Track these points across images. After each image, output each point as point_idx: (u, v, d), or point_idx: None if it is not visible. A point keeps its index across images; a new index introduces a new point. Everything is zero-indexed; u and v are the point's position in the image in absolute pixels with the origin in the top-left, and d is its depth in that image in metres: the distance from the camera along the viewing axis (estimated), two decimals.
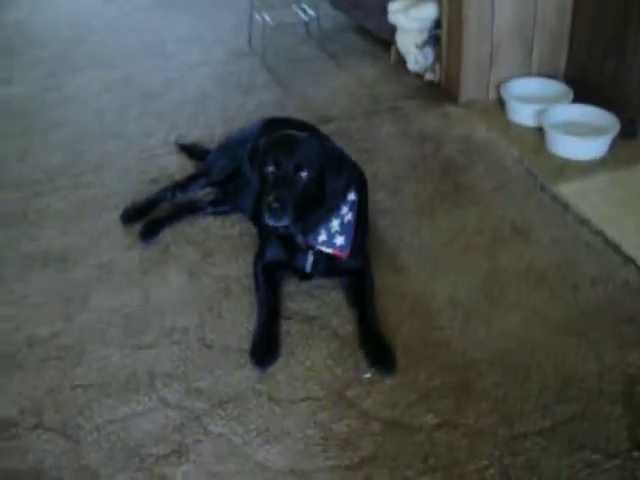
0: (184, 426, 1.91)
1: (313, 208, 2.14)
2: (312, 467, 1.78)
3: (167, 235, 2.67)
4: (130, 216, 2.73)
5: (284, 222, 2.06)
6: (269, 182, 2.09)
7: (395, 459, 1.79)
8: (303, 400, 1.96)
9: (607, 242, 2.48)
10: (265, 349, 2.10)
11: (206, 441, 1.87)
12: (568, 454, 1.77)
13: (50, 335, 2.25)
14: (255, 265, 2.35)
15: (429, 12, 3.51)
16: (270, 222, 2.06)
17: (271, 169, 2.08)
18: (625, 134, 3.01)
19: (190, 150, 3.16)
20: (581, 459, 1.76)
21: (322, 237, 2.19)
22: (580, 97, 3.21)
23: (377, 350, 2.07)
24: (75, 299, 2.40)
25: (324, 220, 2.18)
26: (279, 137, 2.16)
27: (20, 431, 1.93)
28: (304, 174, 2.07)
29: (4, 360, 2.17)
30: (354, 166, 2.34)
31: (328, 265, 2.28)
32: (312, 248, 2.23)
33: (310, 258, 2.25)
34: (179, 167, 3.08)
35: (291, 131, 2.24)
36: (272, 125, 2.61)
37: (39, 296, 2.42)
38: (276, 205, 2.01)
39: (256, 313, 2.22)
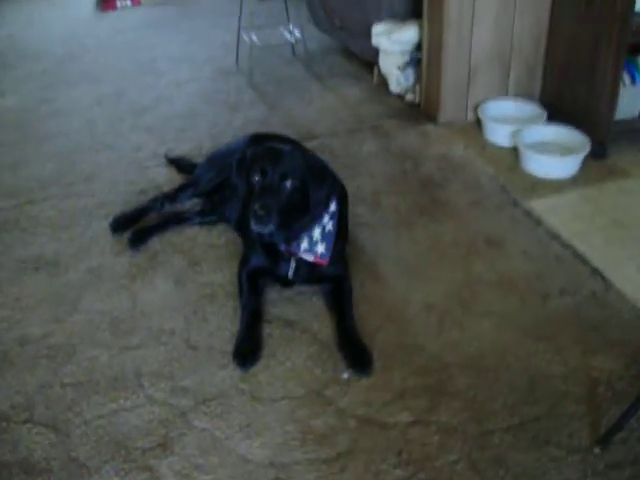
0: (169, 421, 2.00)
1: (296, 217, 2.25)
2: (291, 460, 1.87)
3: (155, 243, 2.76)
4: (119, 225, 2.83)
5: (269, 228, 2.16)
6: (255, 191, 2.20)
7: (370, 454, 1.88)
8: (283, 398, 2.06)
9: (576, 255, 2.60)
10: (247, 350, 2.19)
11: (190, 435, 1.95)
12: (533, 449, 1.87)
13: (41, 335, 2.33)
14: (239, 271, 2.45)
15: (411, 35, 3.66)
16: (256, 228, 2.17)
17: (257, 178, 2.19)
18: (596, 155, 3.16)
19: (178, 163, 3.27)
20: (545, 454, 1.86)
21: (304, 245, 2.30)
22: (554, 118, 3.37)
23: (355, 352, 2.17)
24: (66, 302, 2.48)
25: (306, 228, 2.29)
26: (266, 149, 2.28)
27: (11, 425, 2.01)
28: (288, 183, 2.18)
29: None
30: (335, 178, 2.46)
31: (309, 272, 2.38)
32: (294, 255, 2.34)
33: (292, 265, 2.36)
34: (167, 179, 3.18)
35: (277, 144, 2.36)
36: (258, 140, 2.72)
37: (31, 299, 2.51)
38: (262, 212, 2.12)
39: (239, 317, 2.32)
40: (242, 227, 2.56)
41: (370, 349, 2.18)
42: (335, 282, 2.41)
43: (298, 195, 2.21)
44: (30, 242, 2.81)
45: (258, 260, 2.42)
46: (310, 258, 2.32)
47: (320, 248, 2.31)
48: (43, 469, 1.88)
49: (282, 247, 2.33)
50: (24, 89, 4.32)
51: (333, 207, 2.36)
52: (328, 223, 2.33)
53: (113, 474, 1.85)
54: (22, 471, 1.88)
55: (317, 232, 2.31)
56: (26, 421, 2.02)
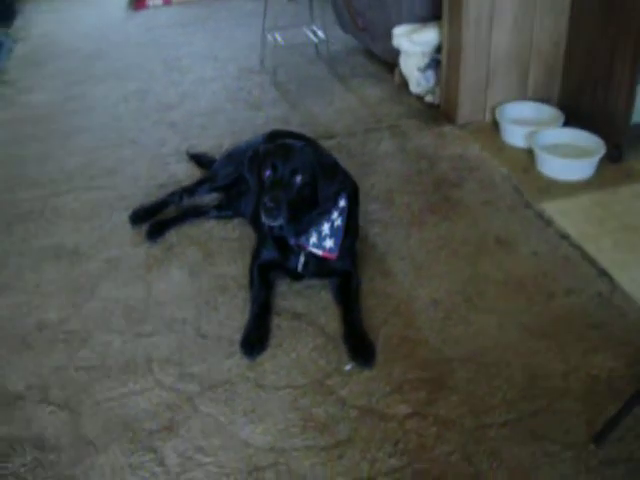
0: (176, 405, 2.08)
1: (306, 211, 2.31)
2: (291, 446, 1.93)
3: (172, 235, 2.85)
4: (138, 217, 2.92)
5: (279, 221, 2.23)
6: (266, 185, 2.27)
7: (367, 443, 1.93)
8: (287, 387, 2.12)
9: (584, 256, 2.62)
10: (255, 340, 2.26)
11: (195, 419, 2.03)
12: (529, 444, 1.90)
13: (59, 321, 2.43)
14: (251, 264, 2.52)
15: (431, 37, 3.70)
16: (266, 221, 2.24)
17: (268, 173, 2.26)
18: (612, 158, 3.16)
19: (199, 159, 3.36)
20: (541, 449, 1.89)
21: (313, 239, 2.36)
22: (572, 122, 3.38)
23: (358, 344, 2.22)
24: (83, 289, 2.58)
25: (315, 223, 2.35)
26: (277, 145, 2.35)
27: (26, 404, 2.11)
28: (299, 178, 2.25)
29: (15, 341, 2.36)
30: (346, 175, 2.51)
31: (318, 266, 2.44)
32: (303, 249, 2.40)
33: (302, 259, 2.42)
34: (187, 174, 3.27)
35: (289, 140, 2.43)
36: (275, 137, 2.79)
37: (51, 285, 2.61)
38: (272, 205, 2.19)
39: (249, 308, 2.38)
40: (256, 221, 2.63)
41: (373, 342, 2.23)
42: (344, 277, 2.46)
43: (308, 190, 2.27)
44: (52, 232, 2.92)
45: (269, 253, 2.49)
46: (319, 252, 2.38)
47: (329, 243, 2.37)
48: (54, 446, 1.97)
49: (292, 241, 2.39)
50: (53, 85, 4.45)
51: (342, 203, 2.41)
52: (337, 219, 2.39)
53: (119, 453, 1.93)
54: (34, 447, 1.97)
55: (326, 227, 2.37)
56: (41, 401, 2.12)
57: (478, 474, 1.83)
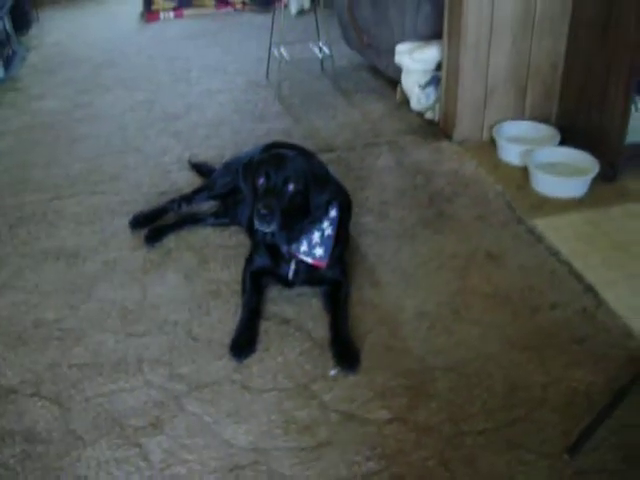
0: (163, 404, 2.13)
1: (298, 219, 2.38)
2: (272, 446, 1.98)
3: (170, 241, 2.92)
4: (138, 222, 3.00)
5: (272, 227, 2.30)
6: (260, 192, 2.34)
7: (346, 446, 1.98)
8: (272, 390, 2.17)
9: (572, 272, 2.67)
10: (244, 343, 2.32)
11: (181, 418, 2.08)
12: (505, 452, 1.94)
13: (55, 319, 2.50)
14: (244, 270, 2.58)
15: (432, 54, 3.78)
16: (259, 227, 2.31)
17: (262, 181, 2.34)
18: (606, 177, 3.21)
19: (199, 168, 3.44)
20: (516, 457, 1.93)
21: (303, 247, 2.43)
22: (569, 141, 3.43)
23: (344, 350, 2.28)
24: (81, 290, 2.65)
25: (306, 231, 2.42)
26: (271, 154, 2.43)
27: (19, 398, 2.17)
28: (291, 186, 2.32)
29: (12, 337, 2.43)
30: (339, 186, 2.58)
31: (308, 274, 2.51)
32: (294, 257, 2.47)
33: (292, 267, 2.49)
34: (188, 182, 3.35)
35: (283, 150, 2.50)
36: (273, 148, 2.86)
37: (49, 286, 2.69)
38: (265, 212, 2.26)
39: (240, 312, 2.45)
40: (251, 229, 2.70)
41: (358, 349, 2.29)
42: (333, 285, 2.52)
43: (300, 199, 2.34)
44: (54, 234, 3.00)
45: (262, 261, 2.55)
46: (309, 260, 2.45)
47: (319, 251, 2.43)
48: (44, 439, 2.03)
49: (284, 249, 2.46)
50: (63, 93, 4.57)
51: (333, 213, 2.48)
52: (328, 228, 2.45)
53: (106, 447, 1.99)
54: (24, 439, 2.03)
55: (317, 236, 2.43)
56: (33, 395, 2.18)
57: (453, 479, 1.87)
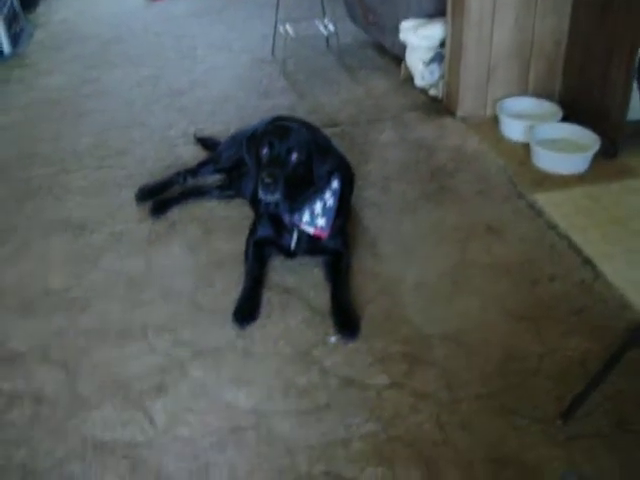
0: (167, 369, 2.19)
1: (301, 189, 2.42)
2: (272, 409, 2.04)
3: (175, 213, 2.97)
4: (144, 195, 3.04)
5: (275, 196, 2.34)
6: (263, 162, 2.38)
7: (345, 409, 2.03)
8: (273, 356, 2.23)
9: (571, 245, 2.70)
10: (246, 311, 2.37)
11: (184, 382, 2.14)
12: (499, 417, 1.99)
13: (62, 288, 2.57)
14: (247, 240, 2.63)
15: (436, 31, 3.78)
16: (263, 196, 2.35)
17: (265, 151, 2.38)
18: (607, 154, 3.23)
19: (205, 142, 3.48)
20: (510, 422, 1.97)
21: (306, 217, 2.47)
22: (571, 117, 3.45)
23: (344, 318, 2.33)
24: (87, 261, 2.71)
25: (309, 201, 2.46)
26: (274, 126, 2.47)
27: (27, 362, 2.24)
28: (294, 157, 2.36)
29: (20, 305, 2.50)
30: (342, 159, 2.62)
31: (310, 244, 2.55)
32: (296, 228, 2.51)
33: (294, 237, 2.53)
34: (193, 157, 3.39)
35: (286, 122, 2.53)
36: (278, 122, 2.90)
37: (56, 256, 2.75)
38: (269, 180, 2.30)
39: (243, 281, 2.50)
40: (255, 201, 2.74)
41: (359, 317, 2.34)
42: (335, 255, 2.57)
43: (302, 169, 2.39)
44: (61, 207, 3.06)
45: (264, 230, 2.60)
46: (310, 230, 2.49)
47: (320, 221, 2.47)
48: (51, 401, 2.10)
49: (286, 219, 2.50)
50: (70, 69, 4.61)
51: (335, 184, 2.52)
52: (329, 199, 2.49)
53: (111, 409, 2.06)
54: (33, 401, 2.10)
55: (318, 206, 2.47)
56: (41, 360, 2.25)
57: (447, 441, 1.92)
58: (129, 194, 3.10)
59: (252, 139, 2.48)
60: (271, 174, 2.31)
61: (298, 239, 2.54)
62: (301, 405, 2.05)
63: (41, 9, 5.92)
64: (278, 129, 2.43)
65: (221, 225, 2.89)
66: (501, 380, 2.11)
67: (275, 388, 2.11)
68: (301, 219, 2.48)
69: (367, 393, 2.09)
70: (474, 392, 2.07)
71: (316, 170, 2.41)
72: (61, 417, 2.04)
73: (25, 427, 2.02)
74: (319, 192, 2.48)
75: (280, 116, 3.09)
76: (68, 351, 2.28)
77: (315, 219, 2.47)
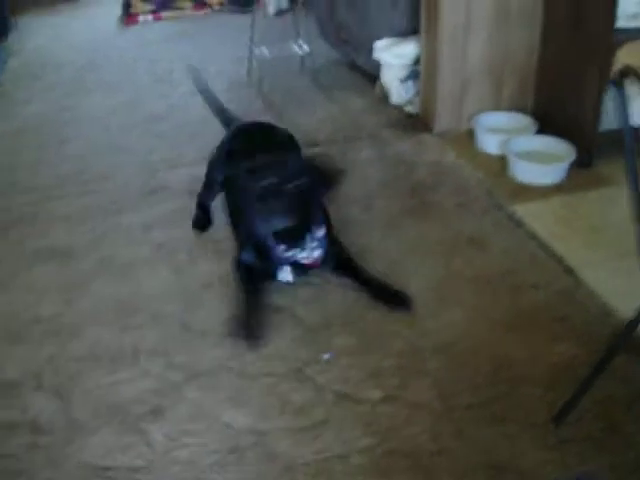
0: (162, 392, 2.20)
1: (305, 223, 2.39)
2: (269, 427, 2.06)
3: (160, 238, 2.99)
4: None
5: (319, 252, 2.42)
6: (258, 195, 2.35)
7: (342, 424, 2.06)
8: (267, 375, 2.25)
9: (551, 255, 2.76)
10: (250, 329, 2.40)
11: (181, 405, 2.15)
12: (490, 425, 2.03)
13: (51, 315, 2.56)
14: (234, 266, 2.64)
15: (410, 50, 3.87)
16: (290, 253, 2.40)
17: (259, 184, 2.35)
18: (582, 164, 3.32)
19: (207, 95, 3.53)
20: (501, 429, 2.01)
21: (303, 253, 2.46)
22: (545, 130, 3.54)
23: (392, 295, 2.47)
24: (75, 287, 2.71)
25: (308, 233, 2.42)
26: (262, 159, 2.48)
27: (22, 391, 2.23)
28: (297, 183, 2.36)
29: (10, 334, 2.49)
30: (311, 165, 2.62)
31: (304, 271, 2.57)
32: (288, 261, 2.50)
33: (289, 270, 2.55)
34: (178, 180, 3.42)
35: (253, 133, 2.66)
36: (240, 132, 2.93)
37: (44, 284, 2.74)
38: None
39: (239, 300, 2.51)
40: (234, 223, 2.76)
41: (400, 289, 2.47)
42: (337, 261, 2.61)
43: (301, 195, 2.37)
44: (46, 234, 3.05)
45: (250, 258, 2.60)
46: (305, 262, 2.48)
47: (316, 253, 2.46)
48: (48, 429, 2.09)
49: (278, 253, 2.46)
50: (46, 96, 4.60)
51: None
52: (320, 225, 2.47)
53: (109, 435, 2.06)
54: (30, 430, 2.09)
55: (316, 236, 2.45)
56: (35, 388, 2.24)
57: (443, 451, 1.96)
58: (114, 220, 3.11)
59: (229, 164, 2.47)
60: (271, 208, 2.30)
61: (293, 270, 2.55)
62: (298, 422, 2.08)
63: (13, 38, 5.91)
64: (271, 162, 2.41)
65: (207, 247, 2.91)
66: (492, 389, 2.16)
67: (271, 407, 2.13)
68: (297, 254, 2.45)
69: (362, 407, 2.12)
70: (466, 402, 2.12)
71: (314, 195, 2.39)
72: (59, 445, 2.04)
73: (23, 457, 2.02)
74: (315, 220, 2.42)
75: (241, 126, 3.11)
76: (61, 378, 2.28)
77: (312, 252, 2.46)
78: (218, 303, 2.58)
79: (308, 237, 2.41)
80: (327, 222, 2.59)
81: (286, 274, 2.56)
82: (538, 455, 1.94)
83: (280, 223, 2.29)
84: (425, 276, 2.68)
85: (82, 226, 3.10)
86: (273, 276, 2.58)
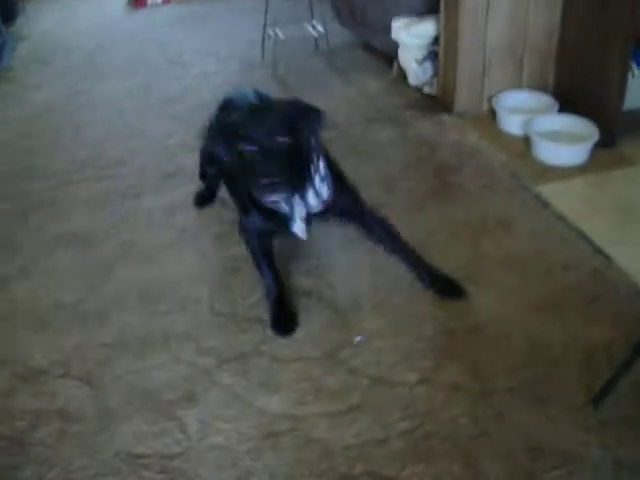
0: (194, 378, 2.17)
1: (297, 170, 2.14)
2: (305, 413, 2.03)
3: (183, 221, 2.95)
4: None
5: (281, 193, 2.10)
6: (249, 160, 2.07)
7: (379, 408, 2.03)
8: (299, 359, 2.21)
9: (580, 235, 2.72)
10: (285, 319, 2.34)
11: (213, 390, 2.12)
12: (531, 408, 2.00)
13: (75, 301, 2.53)
14: (247, 243, 2.49)
15: (428, 29, 3.81)
16: (267, 199, 2.13)
17: (247, 147, 2.06)
18: (605, 143, 3.27)
19: None
20: (542, 412, 1.98)
21: (311, 199, 2.27)
22: (567, 109, 3.48)
23: (444, 281, 2.43)
24: (98, 272, 2.68)
25: (310, 180, 2.23)
26: (238, 113, 2.21)
27: (50, 379, 2.20)
28: (280, 139, 2.05)
29: (35, 320, 2.45)
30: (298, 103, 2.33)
31: (319, 218, 2.40)
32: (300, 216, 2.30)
33: (302, 226, 2.33)
34: (194, 164, 3.35)
35: (240, 99, 2.49)
36: (232, 104, 2.71)
37: (65, 269, 2.71)
38: (266, 181, 2.03)
39: (265, 286, 2.44)
40: (236, 194, 2.58)
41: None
42: (360, 219, 2.52)
43: (291, 146, 2.09)
44: (65, 219, 3.02)
45: (261, 224, 2.41)
46: (318, 208, 2.32)
47: (324, 193, 2.30)
48: (79, 417, 2.06)
49: (286, 210, 2.27)
50: (58, 81, 4.56)
51: (312, 140, 2.23)
52: (320, 162, 2.27)
53: (142, 421, 2.03)
54: (60, 418, 2.06)
55: (316, 178, 2.28)
56: (63, 375, 2.21)
57: (483, 434, 1.93)
58: (133, 204, 3.07)
59: (220, 137, 2.18)
60: (266, 172, 2.02)
61: (307, 223, 2.35)
62: (333, 407, 2.04)
63: (21, 21, 5.84)
64: (248, 115, 2.13)
65: (231, 231, 2.86)
66: (528, 371, 2.12)
67: (306, 391, 2.10)
68: (307, 203, 2.27)
69: (398, 390, 2.08)
70: (505, 384, 2.08)
71: (304, 138, 2.12)
72: (91, 432, 2.01)
73: (54, 445, 1.98)
74: (313, 162, 2.21)
75: (226, 98, 2.85)
76: (90, 365, 2.25)
77: (319, 195, 2.28)
78: (245, 286, 2.54)
79: (308, 179, 2.20)
80: (329, 162, 2.38)
81: (299, 229, 2.32)
82: (578, 437, 1.91)
83: (276, 179, 2.05)
84: (453, 257, 2.63)
85: (102, 211, 3.07)
86: (287, 229, 2.34)
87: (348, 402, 2.06)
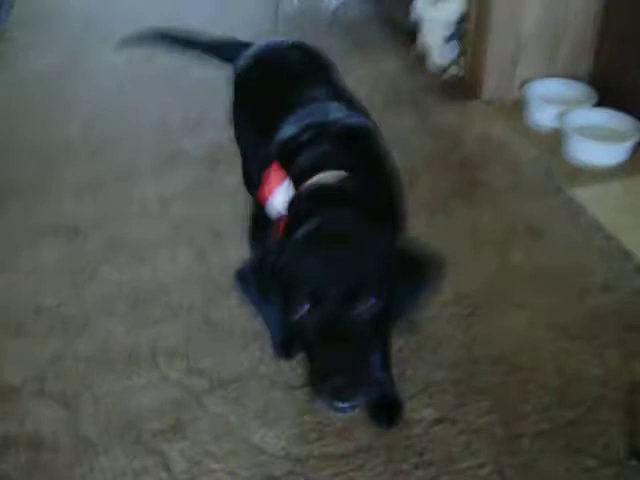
0: (183, 403, 1.92)
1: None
2: (307, 453, 1.78)
3: (179, 214, 2.68)
4: None
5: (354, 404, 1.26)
6: (309, 332, 1.28)
7: (390, 451, 1.78)
8: (303, 386, 1.95)
9: (620, 249, 2.45)
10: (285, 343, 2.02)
11: (204, 420, 1.88)
12: (565, 458, 1.75)
13: (56, 304, 2.27)
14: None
15: (457, 5, 3.48)
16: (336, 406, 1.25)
17: (306, 307, 1.27)
18: None
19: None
20: (578, 464, 1.74)
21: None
22: (605, 102, 3.17)
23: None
24: (84, 271, 2.42)
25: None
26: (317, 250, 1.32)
27: (21, 397, 1.96)
28: (363, 307, 1.28)
29: (11, 327, 2.21)
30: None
31: None
32: None
33: None
34: (197, 144, 3.09)
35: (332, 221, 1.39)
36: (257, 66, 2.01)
37: (48, 266, 2.45)
38: (341, 384, 1.21)
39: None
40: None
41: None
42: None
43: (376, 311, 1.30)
44: (49, 208, 2.75)
45: None
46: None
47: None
48: (51, 445, 1.83)
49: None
50: (55, 47, 4.25)
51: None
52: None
53: (121, 456, 1.79)
54: (29, 446, 1.83)
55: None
56: (36, 394, 1.97)
57: None
58: (126, 192, 2.80)
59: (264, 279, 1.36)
60: (334, 364, 1.22)
61: None
62: (339, 447, 1.80)
63: None
64: (314, 244, 1.32)
65: (232, 227, 2.59)
66: (562, 412, 1.87)
67: (308, 425, 1.85)
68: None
69: (413, 430, 1.83)
70: (534, 427, 1.83)
71: (395, 311, 1.36)
72: (63, 464, 1.78)
73: (21, 477, 1.75)
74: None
75: (257, 54, 2.08)
76: (67, 382, 2.00)
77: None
78: None
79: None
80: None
81: None
82: None
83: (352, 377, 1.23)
84: (478, 269, 2.36)
85: (91, 199, 2.79)
86: None
87: (355, 442, 1.81)
